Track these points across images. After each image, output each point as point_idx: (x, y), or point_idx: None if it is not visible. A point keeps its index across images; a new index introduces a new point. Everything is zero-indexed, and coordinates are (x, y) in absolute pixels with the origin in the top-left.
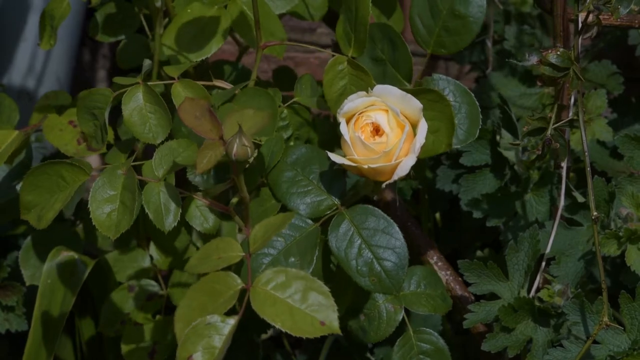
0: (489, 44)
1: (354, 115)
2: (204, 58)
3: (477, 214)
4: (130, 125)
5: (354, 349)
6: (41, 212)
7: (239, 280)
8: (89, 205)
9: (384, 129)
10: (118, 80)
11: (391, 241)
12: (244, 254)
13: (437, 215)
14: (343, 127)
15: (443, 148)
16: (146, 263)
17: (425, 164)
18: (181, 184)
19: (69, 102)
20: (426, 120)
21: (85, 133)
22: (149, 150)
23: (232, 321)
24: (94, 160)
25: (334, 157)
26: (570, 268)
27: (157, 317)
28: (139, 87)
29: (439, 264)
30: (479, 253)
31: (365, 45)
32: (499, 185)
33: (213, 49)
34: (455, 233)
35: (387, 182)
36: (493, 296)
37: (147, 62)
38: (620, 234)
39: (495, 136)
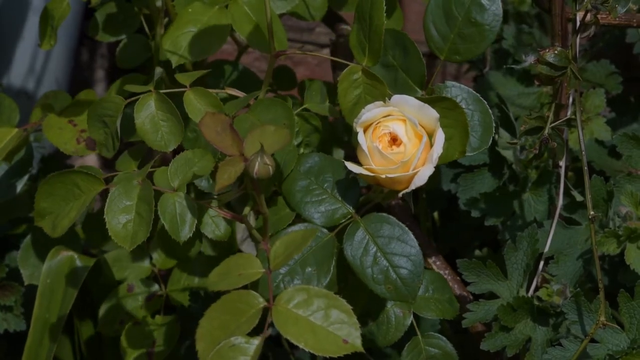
0: None
1: (371, 124)
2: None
3: (475, 213)
4: (142, 133)
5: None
6: (56, 220)
7: (261, 299)
8: (104, 215)
9: (402, 139)
10: (130, 88)
11: (406, 249)
12: (264, 270)
13: (435, 214)
14: (361, 137)
15: (457, 155)
16: (146, 263)
17: (438, 172)
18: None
19: (69, 102)
20: (441, 127)
21: (96, 140)
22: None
23: (256, 342)
24: (92, 159)
25: (352, 166)
26: (568, 267)
27: (157, 317)
28: (151, 95)
29: (438, 263)
30: (477, 252)
31: (380, 54)
32: (497, 185)
33: (214, 49)
34: (454, 232)
35: (405, 191)
36: (492, 295)
37: (158, 70)
38: (620, 232)
39: (493, 135)
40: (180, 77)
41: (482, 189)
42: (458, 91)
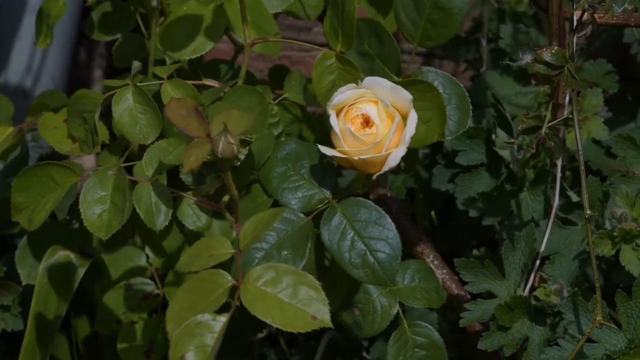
0: (484, 42)
1: (343, 107)
2: (198, 56)
3: (473, 213)
4: (121, 126)
5: (350, 348)
6: (32, 214)
7: (230, 277)
8: (79, 206)
9: (374, 120)
10: (108, 82)
11: (384, 232)
12: (234, 251)
13: (433, 213)
14: (333, 120)
15: (435, 137)
16: (142, 262)
17: (418, 156)
18: (175, 184)
19: (65, 101)
20: (417, 110)
21: (77, 138)
22: (143, 150)
23: (223, 319)
24: (91, 159)
25: (325, 149)
26: (564, 267)
27: (154, 316)
28: (129, 89)
29: (435, 262)
30: (475, 252)
31: (353, 40)
32: (495, 184)
33: (208, 47)
34: (452, 232)
35: (378, 174)
36: (489, 295)
37: (136, 64)
38: (615, 233)
39: (490, 135)
40: (158, 70)
41: (480, 188)
42: (434, 76)
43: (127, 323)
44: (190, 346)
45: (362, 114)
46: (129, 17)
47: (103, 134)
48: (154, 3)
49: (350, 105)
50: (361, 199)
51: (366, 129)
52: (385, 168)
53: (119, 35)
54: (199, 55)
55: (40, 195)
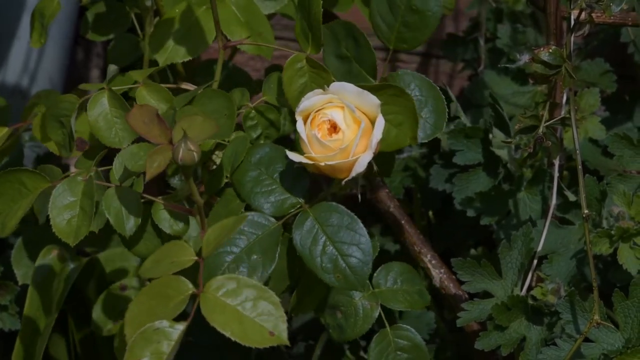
0: (482, 42)
1: (310, 113)
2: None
3: (470, 213)
4: (96, 131)
5: (348, 348)
6: (4, 220)
7: (190, 285)
8: (48, 212)
9: (340, 126)
10: (83, 86)
11: (355, 237)
12: (196, 257)
13: (431, 213)
14: (300, 126)
15: (407, 142)
16: (138, 262)
17: (393, 160)
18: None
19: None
20: (389, 114)
21: (56, 142)
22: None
23: (180, 327)
24: None
25: (292, 155)
26: (562, 267)
27: None
28: (104, 93)
29: (433, 262)
30: (472, 251)
31: (321, 42)
32: (493, 184)
33: (201, 49)
34: (449, 231)
35: (346, 180)
36: (487, 294)
37: (112, 68)
38: (612, 232)
39: (487, 135)
40: (133, 74)
41: (478, 188)
42: (410, 78)
43: (123, 323)
44: (146, 352)
45: (329, 120)
46: (124, 17)
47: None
48: (148, 3)
49: (317, 111)
50: (333, 203)
51: (333, 134)
52: (353, 173)
53: (113, 35)
54: (192, 57)
55: (12, 201)
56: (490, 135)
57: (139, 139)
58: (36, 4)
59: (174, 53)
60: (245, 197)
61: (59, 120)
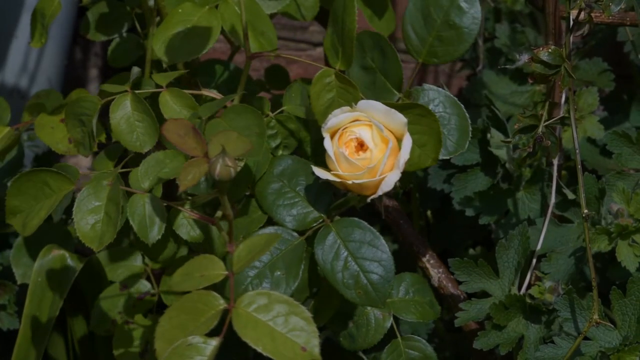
0: (480, 41)
1: (338, 130)
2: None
3: (469, 212)
4: (118, 134)
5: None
6: (26, 219)
7: (222, 300)
8: (73, 216)
9: (368, 144)
10: (106, 87)
11: (377, 254)
12: (227, 272)
13: (429, 213)
14: (327, 143)
15: (429, 162)
16: (138, 262)
17: (413, 175)
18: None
19: (61, 101)
20: (413, 134)
21: (74, 140)
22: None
23: (214, 342)
24: (86, 159)
25: (319, 172)
26: (561, 265)
27: (149, 316)
28: (127, 96)
29: (431, 261)
30: (471, 251)
31: (353, 58)
32: (491, 184)
33: (203, 49)
34: (447, 231)
35: (373, 197)
36: (484, 294)
37: (135, 70)
38: (611, 229)
39: (485, 135)
40: (157, 77)
41: (476, 188)
42: (435, 94)
43: (123, 323)
44: None
45: (357, 138)
46: (125, 17)
47: (100, 134)
48: (151, 3)
49: (344, 128)
50: (355, 219)
51: (360, 152)
52: (380, 192)
53: (115, 35)
54: (194, 57)
55: (35, 200)
56: (489, 135)
57: (158, 144)
58: (36, 3)
59: (177, 53)
60: (267, 210)
61: (79, 119)
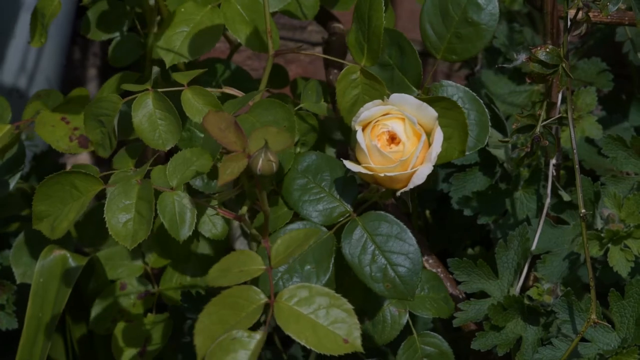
0: None
1: (369, 123)
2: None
3: (467, 212)
4: (140, 132)
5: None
6: (55, 222)
7: (262, 295)
8: (104, 214)
9: (401, 137)
10: (127, 87)
11: (404, 247)
12: (265, 267)
13: (428, 213)
14: (360, 136)
15: (456, 155)
16: (138, 261)
17: (437, 171)
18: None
19: (61, 100)
20: (440, 127)
21: (92, 140)
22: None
23: (258, 336)
24: (84, 157)
25: (350, 165)
26: (555, 267)
27: (149, 315)
28: (149, 94)
29: (430, 261)
30: (470, 251)
31: (379, 55)
32: (490, 183)
33: (207, 48)
34: (445, 231)
35: (403, 190)
36: (483, 294)
37: (155, 69)
38: (602, 234)
39: None
40: (177, 76)
41: (475, 187)
42: (454, 90)
43: (122, 322)
44: None
45: (389, 131)
46: (125, 16)
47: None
48: (151, 2)
49: (377, 121)
50: (382, 212)
51: (392, 145)
52: (411, 185)
53: (115, 35)
54: (197, 57)
55: (62, 203)
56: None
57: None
58: (34, 2)
59: (179, 53)
60: (293, 206)
61: (98, 119)
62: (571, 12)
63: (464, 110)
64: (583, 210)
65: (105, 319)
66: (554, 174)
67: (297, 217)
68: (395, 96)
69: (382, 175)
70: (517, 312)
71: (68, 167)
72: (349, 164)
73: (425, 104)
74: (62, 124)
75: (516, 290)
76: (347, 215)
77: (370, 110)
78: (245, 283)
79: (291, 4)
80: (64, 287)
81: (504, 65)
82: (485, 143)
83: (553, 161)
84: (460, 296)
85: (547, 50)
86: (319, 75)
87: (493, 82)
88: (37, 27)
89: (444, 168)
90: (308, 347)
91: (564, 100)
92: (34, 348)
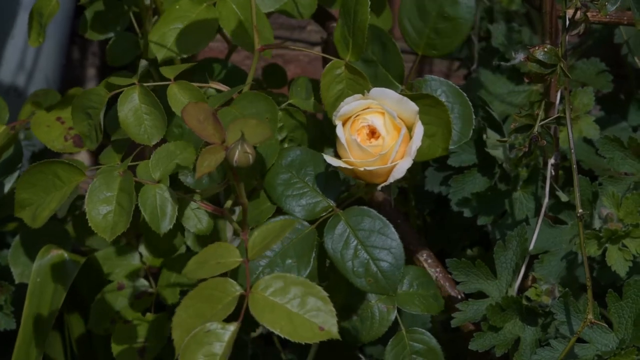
0: (475, 40)
1: (350, 117)
2: (189, 56)
3: (467, 213)
4: (125, 126)
5: (344, 346)
6: (36, 211)
7: (238, 287)
8: (84, 206)
9: (380, 131)
10: (114, 80)
11: (387, 242)
12: (242, 259)
13: (426, 212)
14: (339, 130)
15: (439, 152)
16: (135, 261)
17: (419, 167)
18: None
19: (58, 100)
20: (423, 124)
21: (80, 133)
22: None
23: (232, 327)
24: (82, 157)
25: (330, 159)
26: (553, 267)
27: (147, 314)
28: (135, 88)
29: (429, 261)
30: (469, 251)
31: (363, 50)
32: (489, 184)
33: (201, 46)
34: (444, 231)
35: (383, 185)
36: (481, 295)
37: (143, 63)
38: (601, 234)
39: (480, 136)
40: (164, 70)
41: (474, 189)
42: (437, 84)
43: (121, 322)
44: (199, 355)
45: (369, 125)
46: (122, 15)
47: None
48: (147, 1)
49: (357, 116)
50: (365, 208)
51: (372, 140)
52: (391, 179)
53: (111, 34)
54: (191, 55)
55: (45, 192)
56: (484, 136)
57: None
58: (32, 2)
59: (172, 49)
60: (277, 200)
61: (86, 112)
62: (569, 12)
63: (448, 104)
64: (580, 210)
65: (104, 319)
66: (552, 173)
67: (280, 212)
68: (375, 90)
69: (362, 169)
70: (515, 312)
71: None
72: (329, 159)
73: (405, 98)
74: (57, 124)
75: (514, 290)
76: (330, 210)
77: (351, 104)
78: (225, 275)
79: (287, 4)
80: (60, 287)
81: (500, 63)
82: (469, 137)
83: (551, 161)
84: (459, 296)
85: (546, 49)
86: (318, 75)
87: (492, 82)
88: (34, 27)
89: (441, 171)
90: (283, 336)
91: (562, 100)
92: (30, 348)
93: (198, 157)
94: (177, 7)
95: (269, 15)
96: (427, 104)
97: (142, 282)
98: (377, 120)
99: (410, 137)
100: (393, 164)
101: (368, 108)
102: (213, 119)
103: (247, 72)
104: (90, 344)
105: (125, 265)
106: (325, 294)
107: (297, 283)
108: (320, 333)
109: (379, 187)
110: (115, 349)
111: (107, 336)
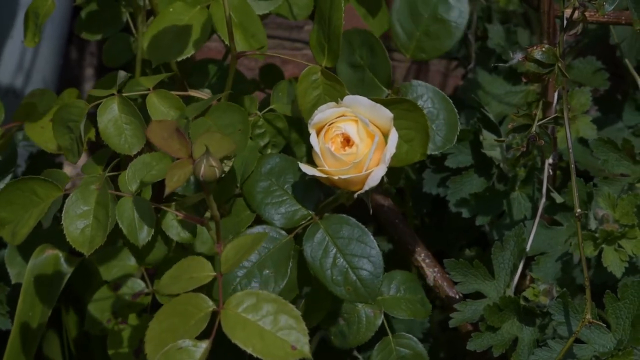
0: (472, 40)
1: (324, 126)
2: (186, 57)
3: (465, 214)
4: (106, 137)
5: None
6: (15, 229)
7: (210, 302)
8: (62, 222)
9: (354, 139)
10: (93, 92)
11: (366, 250)
12: (215, 273)
13: (424, 212)
14: (313, 139)
15: (417, 157)
16: (132, 262)
17: (403, 172)
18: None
19: (54, 100)
20: (401, 129)
21: (62, 147)
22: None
23: (204, 345)
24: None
25: (305, 168)
26: (549, 268)
27: (143, 315)
28: (114, 99)
29: (427, 261)
30: (467, 252)
31: (339, 55)
32: (487, 185)
33: (194, 49)
34: (442, 232)
35: (359, 192)
36: (479, 295)
37: (122, 74)
38: (597, 235)
39: (476, 137)
40: (143, 80)
41: (472, 189)
42: (424, 90)
43: (117, 322)
44: None
45: (342, 133)
46: (118, 16)
47: (89, 132)
48: (141, 2)
49: (330, 124)
50: (344, 216)
51: (346, 148)
52: (366, 187)
53: (108, 35)
54: (185, 57)
55: (23, 210)
56: (481, 137)
57: (149, 145)
58: (30, 2)
59: (167, 52)
60: (256, 208)
61: (67, 125)
62: (567, 12)
63: (434, 110)
64: (579, 210)
65: (100, 319)
66: (550, 174)
67: (260, 220)
68: (348, 98)
69: (336, 178)
70: (513, 312)
71: (64, 166)
72: (304, 167)
73: (379, 105)
74: (51, 125)
75: (512, 290)
76: (309, 218)
77: (324, 112)
78: (201, 290)
79: (282, 6)
80: (54, 287)
81: (497, 64)
82: (454, 142)
83: (549, 161)
84: (457, 297)
85: (543, 49)
86: None
87: (489, 83)
88: (30, 27)
89: (439, 173)
90: (255, 355)
91: (559, 100)
92: (22, 347)
93: (167, 173)
94: (171, 9)
95: (266, 15)
96: (404, 109)
97: (138, 283)
98: (351, 128)
99: (386, 144)
100: (368, 171)
101: (342, 116)
102: (177, 135)
103: (245, 72)
104: (87, 344)
105: (121, 266)
106: (297, 312)
107: (269, 300)
108: (292, 352)
109: (356, 195)
110: (111, 349)
111: (103, 337)
